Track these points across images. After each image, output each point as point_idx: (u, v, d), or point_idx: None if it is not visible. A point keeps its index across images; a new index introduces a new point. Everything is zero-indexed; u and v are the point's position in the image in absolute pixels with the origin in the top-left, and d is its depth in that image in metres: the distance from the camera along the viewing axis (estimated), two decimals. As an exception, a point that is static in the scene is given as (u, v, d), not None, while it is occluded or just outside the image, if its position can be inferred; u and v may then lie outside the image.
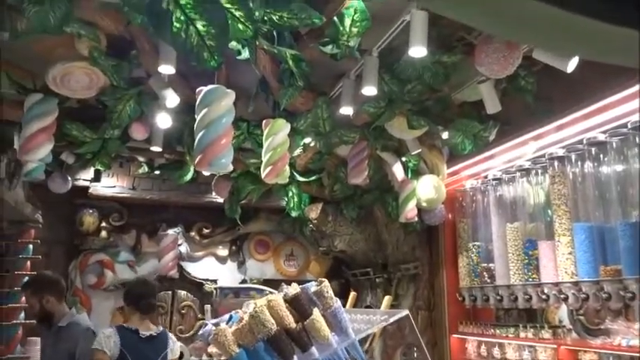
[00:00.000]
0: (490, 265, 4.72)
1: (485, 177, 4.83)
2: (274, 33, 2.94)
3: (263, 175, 3.51)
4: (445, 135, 4.25)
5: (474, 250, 4.95)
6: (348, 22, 2.83)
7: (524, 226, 4.35)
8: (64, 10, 2.56)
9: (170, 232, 6.43)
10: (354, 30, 2.86)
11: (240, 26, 2.09)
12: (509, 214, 4.54)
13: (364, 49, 3.38)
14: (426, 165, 4.99)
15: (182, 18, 1.92)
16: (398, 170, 4.87)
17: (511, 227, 4.43)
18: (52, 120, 3.60)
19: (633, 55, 0.75)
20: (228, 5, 2.01)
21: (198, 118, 2.72)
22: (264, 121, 3.68)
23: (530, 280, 4.17)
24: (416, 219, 4.98)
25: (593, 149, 3.69)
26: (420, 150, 4.50)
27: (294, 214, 5.58)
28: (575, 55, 2.66)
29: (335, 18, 2.85)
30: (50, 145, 3.64)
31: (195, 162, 2.73)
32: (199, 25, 1.91)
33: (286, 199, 5.53)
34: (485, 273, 4.77)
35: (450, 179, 5.08)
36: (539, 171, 4.24)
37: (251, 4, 2.52)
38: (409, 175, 4.94)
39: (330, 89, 4.11)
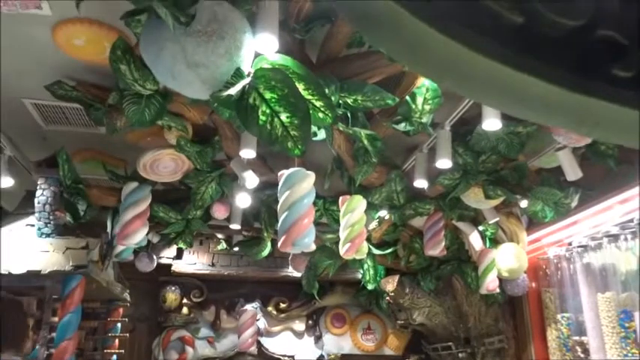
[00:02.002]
0: (582, 338, 4.42)
1: (570, 244, 4.62)
2: (348, 114, 3.07)
3: (342, 252, 3.56)
4: (524, 203, 4.16)
5: (563, 322, 4.67)
6: (420, 100, 2.92)
7: (616, 295, 4.09)
8: (158, 107, 2.81)
9: (249, 307, 6.51)
10: (427, 107, 2.94)
11: (321, 115, 2.21)
12: (599, 283, 4.29)
13: (436, 122, 3.45)
14: (504, 233, 4.86)
15: (267, 111, 2.06)
16: (475, 240, 4.77)
17: (603, 297, 4.17)
18: (145, 206, 3.86)
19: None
20: (309, 97, 2.15)
21: (281, 200, 2.84)
22: (340, 198, 3.77)
23: (630, 355, 3.86)
24: (498, 290, 4.80)
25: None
26: (497, 219, 4.42)
27: (370, 286, 5.53)
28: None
29: (407, 97, 2.95)
30: (145, 230, 3.87)
31: (280, 243, 2.82)
32: (283, 116, 2.05)
33: (362, 272, 5.50)
34: (577, 347, 4.47)
35: (531, 247, 4.90)
36: (629, 236, 4.02)
37: (327, 90, 2.68)
38: (487, 245, 4.82)
39: (403, 162, 4.17)
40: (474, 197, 4.00)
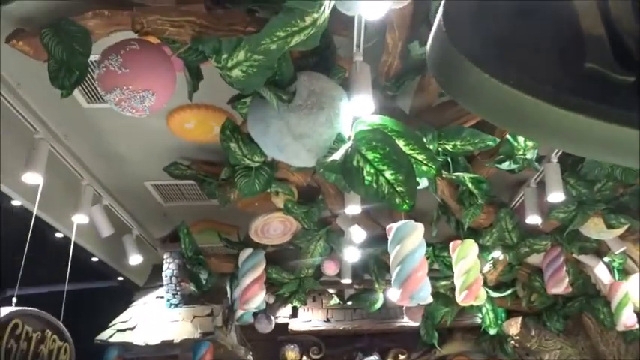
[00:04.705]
0: None
1: None
2: (449, 160, 3.07)
3: (459, 300, 3.47)
4: (652, 228, 3.85)
5: None
6: (522, 137, 2.86)
7: None
8: (267, 177, 2.98)
9: (367, 361, 6.44)
10: (530, 144, 2.88)
11: (424, 168, 2.25)
12: None
13: (542, 155, 3.34)
14: (634, 262, 4.49)
15: (372, 171, 2.13)
16: (602, 273, 4.44)
17: None
18: (262, 270, 4.04)
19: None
20: (411, 151, 2.20)
21: (392, 254, 2.86)
22: (451, 244, 3.71)
23: None
24: (636, 325, 4.40)
25: None
26: (624, 247, 4.10)
27: (491, 331, 5.28)
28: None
29: (508, 136, 2.90)
30: (263, 293, 4.04)
31: (397, 298, 2.82)
32: (388, 174, 2.10)
33: (481, 316, 5.28)
34: None
35: (668, 274, 4.47)
36: None
37: (424, 140, 2.71)
38: (617, 277, 4.47)
39: (510, 199, 4.04)
40: (595, 228, 3.77)
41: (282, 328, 6.45)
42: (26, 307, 2.85)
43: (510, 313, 5.35)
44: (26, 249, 3.15)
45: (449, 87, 0.77)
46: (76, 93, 3.14)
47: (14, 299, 2.85)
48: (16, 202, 3.55)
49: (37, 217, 3.41)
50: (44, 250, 3.92)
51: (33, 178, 3.00)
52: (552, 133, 0.70)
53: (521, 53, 0.74)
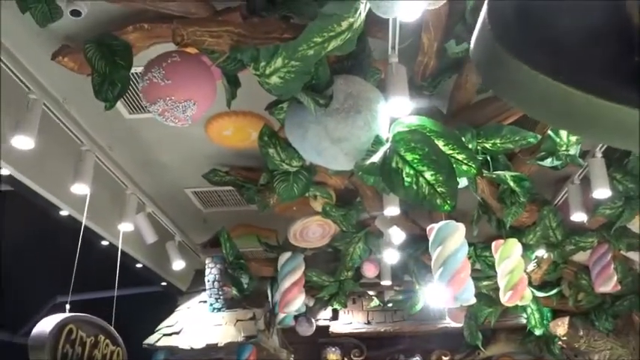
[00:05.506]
0: None
1: None
2: (488, 158, 3.02)
3: (504, 301, 3.41)
4: None
5: None
6: (564, 132, 2.80)
7: None
8: (305, 181, 3.00)
9: (410, 363, 6.39)
10: (573, 139, 2.81)
11: (465, 167, 2.22)
12: None
13: (585, 150, 3.26)
14: (687, 258, 4.32)
15: (411, 172, 2.12)
16: (653, 269, 4.29)
17: None
18: (301, 273, 4.07)
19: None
20: (450, 151, 2.18)
21: (434, 256, 2.84)
22: (493, 244, 3.65)
23: None
24: (691, 323, 4.23)
25: None
26: (675, 243, 3.96)
27: (537, 332, 5.16)
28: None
29: (550, 132, 2.84)
30: (303, 297, 4.07)
31: (441, 300, 2.79)
32: (428, 175, 2.09)
33: (526, 317, 5.17)
34: None
35: None
36: None
37: (463, 139, 2.68)
38: (668, 273, 4.31)
39: (553, 196, 3.95)
40: (643, 223, 3.65)
41: (323, 330, 6.46)
42: (80, 313, 2.96)
43: (557, 313, 5.22)
44: (77, 257, 3.26)
45: (496, 86, 0.76)
46: (118, 104, 3.23)
47: (67, 306, 2.95)
48: (64, 212, 3.68)
49: (84, 225, 3.53)
50: (90, 257, 4.04)
51: (81, 188, 3.11)
52: (605, 128, 0.69)
53: (569, 49, 0.73)
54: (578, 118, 0.70)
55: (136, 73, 2.78)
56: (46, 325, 2.76)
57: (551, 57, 0.69)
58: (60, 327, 2.73)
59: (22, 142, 2.70)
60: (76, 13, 2.41)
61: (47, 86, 3.05)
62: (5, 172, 3.05)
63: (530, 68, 0.68)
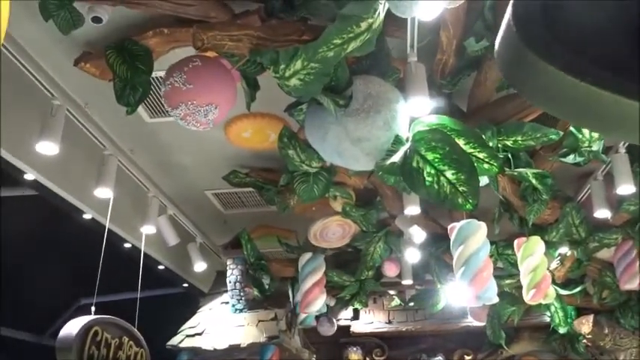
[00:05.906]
0: None
1: None
2: (509, 156, 2.99)
3: (527, 299, 3.38)
4: None
5: None
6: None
7: None
8: (325, 181, 3.01)
9: (433, 362, 6.36)
10: (596, 135, 2.77)
11: (486, 166, 2.20)
12: None
13: (609, 146, 3.21)
14: None
15: (432, 172, 2.11)
16: (680, 266, 4.20)
17: None
18: (322, 274, 4.08)
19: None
20: (471, 150, 2.16)
21: (456, 255, 2.82)
22: (515, 241, 3.61)
23: None
24: None
25: None
26: (702, 239, 3.88)
27: (561, 330, 5.10)
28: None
29: (572, 128, 2.81)
30: (324, 297, 4.07)
31: (463, 299, 2.78)
32: (449, 174, 2.08)
33: (549, 315, 5.11)
34: None
35: None
36: None
37: (484, 137, 2.66)
38: (696, 270, 4.21)
39: (576, 192, 3.90)
40: (670, 220, 3.59)
41: (345, 330, 6.46)
42: (105, 315, 3.01)
43: (581, 311, 5.14)
44: (101, 260, 3.31)
45: (522, 88, 0.76)
46: (139, 109, 3.27)
47: (93, 308, 3.01)
48: (87, 216, 3.73)
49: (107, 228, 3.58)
50: (113, 260, 4.10)
51: (104, 192, 3.15)
52: (634, 128, 0.68)
53: (595, 49, 0.72)
54: (607, 119, 0.69)
55: (156, 78, 2.81)
56: (72, 327, 2.81)
57: (578, 57, 0.69)
58: (86, 329, 2.78)
59: (47, 148, 2.76)
60: (97, 19, 2.45)
61: (70, 92, 3.10)
62: (30, 177, 3.12)
63: (557, 69, 0.68)
